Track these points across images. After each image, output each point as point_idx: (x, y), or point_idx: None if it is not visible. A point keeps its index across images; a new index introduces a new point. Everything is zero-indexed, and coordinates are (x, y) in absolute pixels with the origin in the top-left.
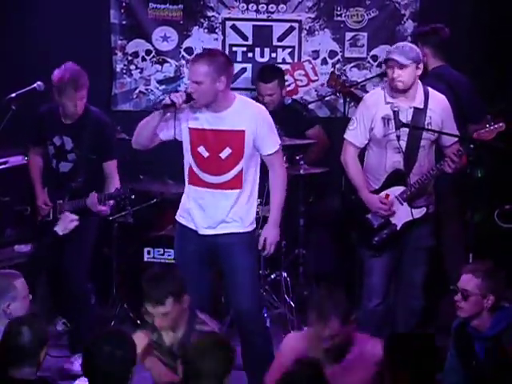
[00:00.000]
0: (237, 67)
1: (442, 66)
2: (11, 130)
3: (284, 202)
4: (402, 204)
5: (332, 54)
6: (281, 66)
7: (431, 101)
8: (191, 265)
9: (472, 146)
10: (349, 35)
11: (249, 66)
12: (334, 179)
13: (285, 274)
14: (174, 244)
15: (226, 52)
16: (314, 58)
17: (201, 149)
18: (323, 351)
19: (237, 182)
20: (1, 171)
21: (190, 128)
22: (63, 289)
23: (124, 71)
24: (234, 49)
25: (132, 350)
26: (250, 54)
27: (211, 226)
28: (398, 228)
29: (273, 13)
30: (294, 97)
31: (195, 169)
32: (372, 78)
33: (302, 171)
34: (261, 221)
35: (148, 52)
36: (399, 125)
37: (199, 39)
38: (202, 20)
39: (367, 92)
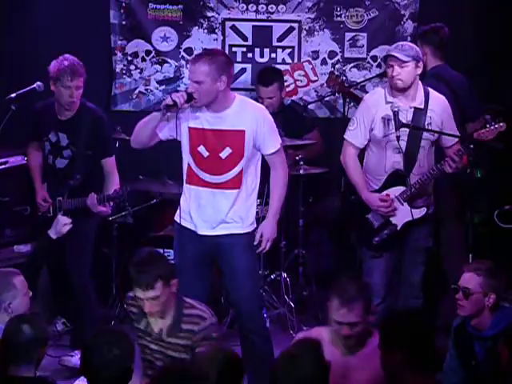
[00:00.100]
0: (236, 67)
1: (441, 65)
2: (11, 130)
3: (284, 202)
4: (402, 204)
5: (332, 54)
6: (280, 66)
7: (431, 101)
8: (191, 266)
9: (472, 145)
10: (348, 35)
11: (248, 66)
12: (334, 179)
13: (284, 275)
14: (174, 245)
15: (226, 52)
16: (314, 59)
17: (201, 148)
18: (342, 338)
19: (237, 182)
20: (0, 171)
21: (189, 127)
22: (65, 288)
23: (124, 71)
24: (234, 49)
25: (130, 349)
26: (249, 55)
27: (211, 227)
28: (399, 228)
29: (272, 13)
30: (294, 97)
31: (194, 168)
32: (372, 78)
33: (301, 171)
34: (260, 221)
35: (148, 52)
36: (399, 125)
37: (199, 39)
38: (201, 20)
39: (367, 92)
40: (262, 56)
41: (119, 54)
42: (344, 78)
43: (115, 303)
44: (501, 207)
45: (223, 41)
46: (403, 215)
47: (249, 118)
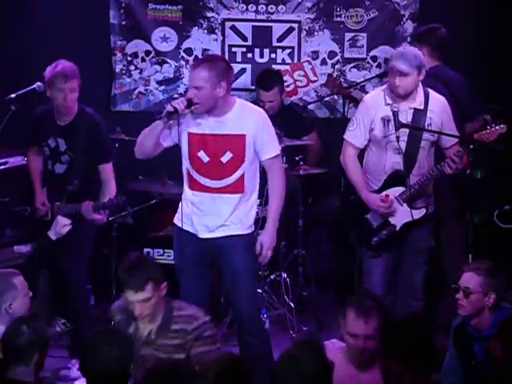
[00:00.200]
0: (236, 68)
1: (439, 65)
2: (11, 130)
3: (283, 204)
4: (402, 205)
5: (331, 54)
6: (280, 66)
7: (431, 102)
8: (191, 266)
9: (472, 146)
10: (348, 36)
11: (248, 66)
12: (334, 180)
13: (284, 275)
14: (173, 245)
15: (226, 53)
16: (314, 59)
17: (201, 154)
18: (357, 353)
19: (238, 186)
20: (0, 171)
21: (189, 133)
22: (63, 291)
23: (123, 72)
24: (234, 49)
25: (129, 348)
26: (249, 55)
27: (210, 230)
28: (398, 229)
29: (272, 13)
30: (294, 97)
31: (194, 174)
32: (371, 78)
33: (301, 172)
34: (260, 221)
35: (147, 53)
36: (399, 125)
37: (199, 40)
38: (201, 21)
39: (367, 93)
40: (261, 56)
41: (119, 55)
42: (343, 79)
43: None
44: (501, 207)
45: (223, 41)
46: (402, 216)
47: (249, 122)
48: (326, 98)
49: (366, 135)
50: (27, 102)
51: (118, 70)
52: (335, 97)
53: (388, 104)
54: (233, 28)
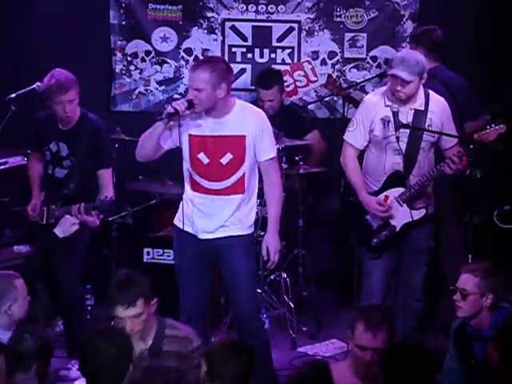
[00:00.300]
0: (236, 68)
1: (437, 66)
2: (11, 130)
3: (283, 204)
4: (402, 205)
5: (331, 54)
6: (280, 66)
7: (432, 103)
8: (191, 266)
9: (471, 146)
10: (348, 36)
11: (248, 66)
12: (334, 180)
13: (284, 275)
14: (173, 246)
15: (226, 53)
16: (314, 59)
17: (201, 155)
18: (364, 366)
19: (239, 187)
20: (0, 172)
21: (190, 135)
22: (57, 294)
23: (123, 72)
24: (234, 49)
25: (128, 347)
26: (249, 55)
27: (211, 231)
28: (398, 229)
29: (272, 13)
30: (294, 97)
31: (194, 176)
32: (371, 78)
33: (301, 171)
34: (260, 221)
35: (147, 53)
36: (398, 126)
37: (198, 40)
38: (201, 21)
39: (367, 93)
40: (261, 56)
41: (119, 55)
42: (343, 79)
43: None
44: (500, 208)
45: (223, 41)
46: (402, 216)
47: (249, 123)
48: (326, 99)
49: (366, 136)
50: (27, 102)
51: (118, 70)
52: (335, 97)
53: (388, 105)
54: (233, 28)
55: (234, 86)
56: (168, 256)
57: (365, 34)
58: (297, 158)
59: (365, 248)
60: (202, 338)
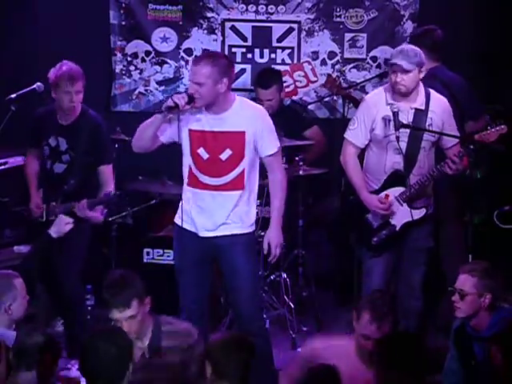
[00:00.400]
0: (236, 68)
1: (437, 66)
2: (11, 130)
3: (284, 204)
4: (402, 205)
5: (331, 54)
6: (280, 66)
7: (432, 102)
8: (191, 266)
9: (472, 146)
10: (348, 36)
11: (248, 66)
12: (334, 180)
13: (284, 275)
14: (173, 246)
15: (226, 53)
16: (314, 59)
17: (200, 150)
18: (368, 353)
19: (238, 183)
20: (0, 172)
21: (190, 130)
22: (57, 293)
23: (123, 72)
24: (234, 50)
25: (128, 347)
26: (249, 55)
27: (211, 229)
28: (398, 229)
29: (272, 14)
30: (294, 98)
31: (194, 171)
32: (371, 78)
33: (301, 172)
34: (260, 222)
35: (147, 53)
36: (398, 125)
37: (198, 40)
38: (201, 21)
39: (366, 93)
40: (261, 56)
41: (119, 55)
42: (342, 79)
43: None
44: (500, 208)
45: (223, 41)
46: (402, 216)
47: (249, 119)
48: (326, 99)
49: (367, 135)
50: (27, 102)
51: (117, 71)
52: (335, 97)
53: (389, 103)
54: (233, 28)
55: (233, 86)
56: (168, 256)
57: (365, 35)
58: (297, 159)
59: (365, 247)
60: (202, 338)
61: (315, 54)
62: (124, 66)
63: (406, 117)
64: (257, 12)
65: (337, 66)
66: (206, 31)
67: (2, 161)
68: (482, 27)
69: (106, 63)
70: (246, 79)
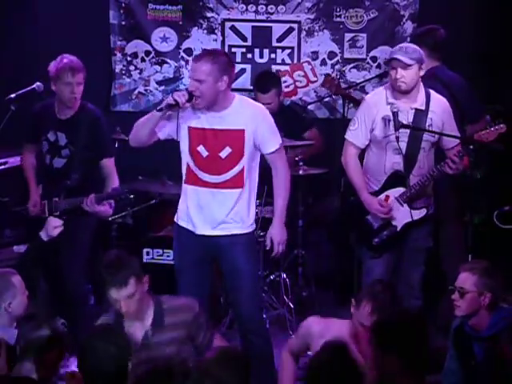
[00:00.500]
0: (236, 68)
1: (438, 66)
2: (11, 130)
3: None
4: (402, 205)
5: (331, 54)
6: (280, 66)
7: (432, 102)
8: (190, 266)
9: (471, 147)
10: (348, 36)
11: (248, 66)
12: (334, 180)
13: (284, 275)
14: (173, 246)
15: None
16: (314, 59)
17: (200, 148)
18: (365, 340)
19: (238, 182)
20: (0, 171)
21: (189, 127)
22: (61, 290)
23: (123, 72)
24: (234, 50)
25: (126, 345)
26: (249, 55)
27: (211, 227)
28: (398, 229)
29: (272, 14)
30: (294, 98)
31: (193, 168)
32: (371, 79)
33: (301, 172)
34: (260, 222)
35: (147, 53)
36: (398, 126)
37: (198, 40)
38: (201, 21)
39: (366, 93)
40: (261, 56)
41: (119, 55)
42: (342, 79)
43: None
44: (500, 208)
45: (223, 41)
46: (403, 216)
47: (248, 117)
48: (326, 99)
49: (368, 135)
50: (27, 102)
51: (117, 70)
52: (335, 97)
53: (389, 103)
54: (232, 28)
55: (233, 86)
56: (168, 256)
57: (365, 35)
58: (297, 159)
59: (365, 247)
60: (196, 352)
61: (315, 54)
62: (124, 65)
63: (406, 117)
64: (257, 12)
65: (337, 66)
66: (205, 31)
67: (2, 161)
68: (482, 27)
69: (105, 63)
70: (245, 79)
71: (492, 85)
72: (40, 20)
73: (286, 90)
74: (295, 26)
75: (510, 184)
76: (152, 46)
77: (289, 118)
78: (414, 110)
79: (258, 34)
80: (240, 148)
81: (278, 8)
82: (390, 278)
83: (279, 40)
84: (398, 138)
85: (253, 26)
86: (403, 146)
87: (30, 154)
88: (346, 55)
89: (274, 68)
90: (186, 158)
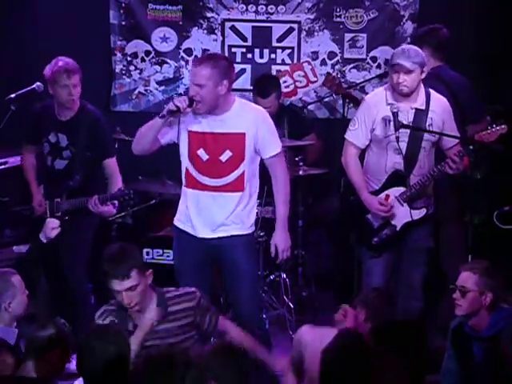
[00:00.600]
0: (236, 68)
1: (440, 66)
2: (11, 130)
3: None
4: (402, 205)
5: (331, 55)
6: (280, 67)
7: (433, 102)
8: (190, 267)
9: (471, 147)
10: (348, 36)
11: (248, 66)
12: (333, 180)
13: (284, 275)
14: (173, 247)
15: (226, 53)
16: (314, 59)
17: (200, 152)
18: None
19: (238, 185)
20: (0, 171)
21: (189, 131)
22: (62, 290)
23: (123, 72)
24: (234, 50)
25: (125, 345)
26: (249, 55)
27: (211, 229)
28: (398, 229)
29: (272, 14)
30: (294, 98)
31: (193, 172)
32: (371, 79)
33: (301, 172)
34: (260, 222)
35: (147, 53)
36: (398, 126)
37: (198, 40)
38: (201, 21)
39: (366, 93)
40: (261, 57)
41: (119, 55)
42: (342, 79)
43: None
44: (500, 208)
45: (223, 41)
46: (403, 216)
47: (249, 120)
48: (326, 99)
49: (368, 135)
50: (27, 102)
51: (117, 70)
52: (335, 97)
53: (389, 103)
54: (232, 28)
55: (233, 86)
56: (168, 256)
57: (365, 35)
58: (297, 159)
59: (365, 247)
60: (202, 338)
61: (315, 54)
62: (124, 65)
63: (406, 117)
64: (257, 12)
65: (337, 66)
66: (205, 31)
67: (2, 160)
68: (483, 27)
69: (105, 63)
70: (245, 79)
71: (492, 85)
72: (40, 20)
73: (286, 90)
74: (295, 26)
75: (510, 184)
76: (152, 46)
77: (289, 119)
78: (414, 110)
79: (258, 34)
80: (241, 151)
81: (278, 8)
82: (390, 278)
83: (279, 40)
84: (398, 138)
85: (253, 26)
86: (403, 145)
87: (30, 155)
88: (346, 55)
89: (274, 68)
90: (185, 162)
